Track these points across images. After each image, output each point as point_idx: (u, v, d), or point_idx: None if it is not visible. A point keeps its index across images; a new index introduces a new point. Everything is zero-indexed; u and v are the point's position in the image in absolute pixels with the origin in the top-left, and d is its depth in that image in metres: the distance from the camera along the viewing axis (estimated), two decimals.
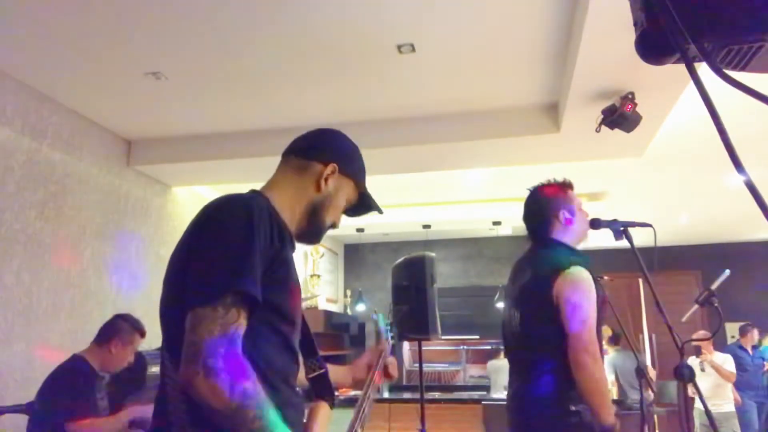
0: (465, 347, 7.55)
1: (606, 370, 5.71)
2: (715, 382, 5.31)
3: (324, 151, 1.28)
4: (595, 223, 2.09)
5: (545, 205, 2.13)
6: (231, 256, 1.01)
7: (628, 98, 3.07)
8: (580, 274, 1.93)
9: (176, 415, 1.02)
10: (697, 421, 5.48)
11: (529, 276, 2.06)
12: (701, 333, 6.03)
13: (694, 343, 5.40)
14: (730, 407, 5.37)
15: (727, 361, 5.37)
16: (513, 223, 6.38)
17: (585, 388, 1.82)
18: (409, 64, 3.10)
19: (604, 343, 6.26)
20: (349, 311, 8.11)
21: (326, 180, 1.25)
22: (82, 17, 2.64)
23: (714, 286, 2.31)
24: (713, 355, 5.41)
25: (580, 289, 1.91)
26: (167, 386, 1.06)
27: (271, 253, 1.07)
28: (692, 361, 5.46)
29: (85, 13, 2.60)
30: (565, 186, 2.16)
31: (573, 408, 1.84)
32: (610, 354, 5.89)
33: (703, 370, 5.33)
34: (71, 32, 2.77)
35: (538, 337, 1.98)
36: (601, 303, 1.98)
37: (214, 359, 0.92)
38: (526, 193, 2.21)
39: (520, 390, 2.05)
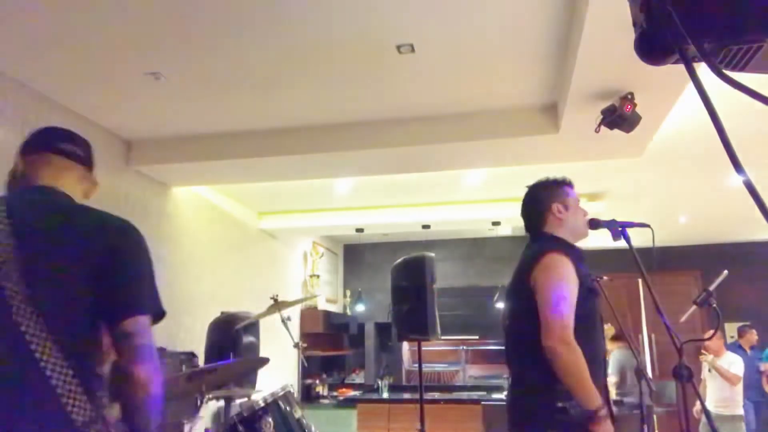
0: (464, 347, 7.55)
1: (612, 367, 5.63)
2: (722, 384, 5.20)
3: None
4: (593, 223, 2.10)
5: (537, 200, 2.16)
6: None
7: (628, 98, 3.06)
8: (555, 258, 1.91)
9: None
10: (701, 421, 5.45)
11: (516, 270, 2.08)
12: (711, 333, 5.96)
13: (706, 342, 5.30)
14: (738, 410, 5.18)
15: (734, 364, 5.19)
16: (512, 223, 6.38)
17: (559, 373, 1.78)
18: (409, 64, 3.10)
19: (607, 341, 6.18)
20: (348, 311, 8.11)
21: None
22: (82, 17, 2.64)
23: (712, 287, 2.30)
24: (722, 357, 5.25)
25: (551, 274, 1.88)
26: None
27: None
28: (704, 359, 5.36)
29: (84, 13, 2.60)
30: (560, 182, 2.16)
31: (559, 404, 1.79)
32: (615, 352, 5.80)
33: (709, 371, 5.26)
34: (71, 32, 2.77)
35: (521, 332, 1.97)
36: (590, 294, 1.94)
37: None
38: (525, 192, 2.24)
39: (510, 386, 2.09)
